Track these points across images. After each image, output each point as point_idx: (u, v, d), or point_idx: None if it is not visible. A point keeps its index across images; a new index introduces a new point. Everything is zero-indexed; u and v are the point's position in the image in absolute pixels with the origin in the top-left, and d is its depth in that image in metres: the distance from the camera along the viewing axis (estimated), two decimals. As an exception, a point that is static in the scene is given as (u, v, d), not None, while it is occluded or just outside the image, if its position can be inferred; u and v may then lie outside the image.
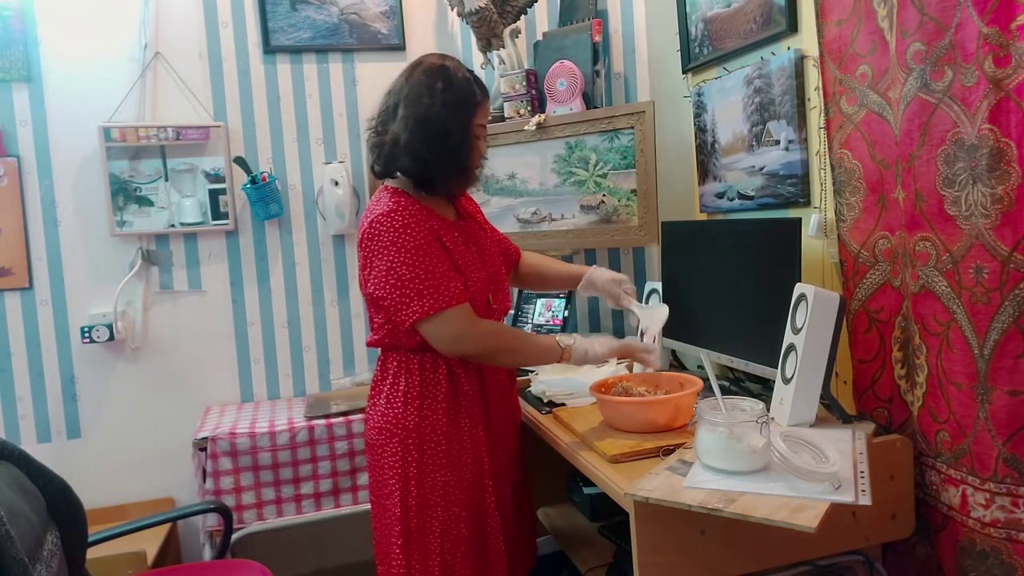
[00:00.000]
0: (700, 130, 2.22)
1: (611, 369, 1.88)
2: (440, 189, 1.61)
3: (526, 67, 2.54)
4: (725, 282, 1.79)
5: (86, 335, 2.47)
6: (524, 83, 2.48)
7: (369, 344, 1.66)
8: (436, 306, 1.49)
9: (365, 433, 1.67)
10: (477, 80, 1.60)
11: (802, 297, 1.46)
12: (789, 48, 1.82)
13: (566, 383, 1.89)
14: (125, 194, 2.50)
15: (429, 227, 1.54)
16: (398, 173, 1.59)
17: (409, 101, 1.55)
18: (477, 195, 2.57)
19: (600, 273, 1.83)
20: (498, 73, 2.57)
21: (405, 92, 1.56)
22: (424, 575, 1.57)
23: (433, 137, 1.53)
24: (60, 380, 2.52)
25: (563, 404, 1.81)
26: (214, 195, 2.56)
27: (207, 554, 2.24)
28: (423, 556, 1.57)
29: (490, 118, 2.52)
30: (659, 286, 2.06)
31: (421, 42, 2.70)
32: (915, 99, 1.33)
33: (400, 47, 2.68)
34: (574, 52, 2.44)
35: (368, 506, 1.71)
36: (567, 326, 2.33)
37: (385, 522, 1.61)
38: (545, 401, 1.86)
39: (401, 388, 1.59)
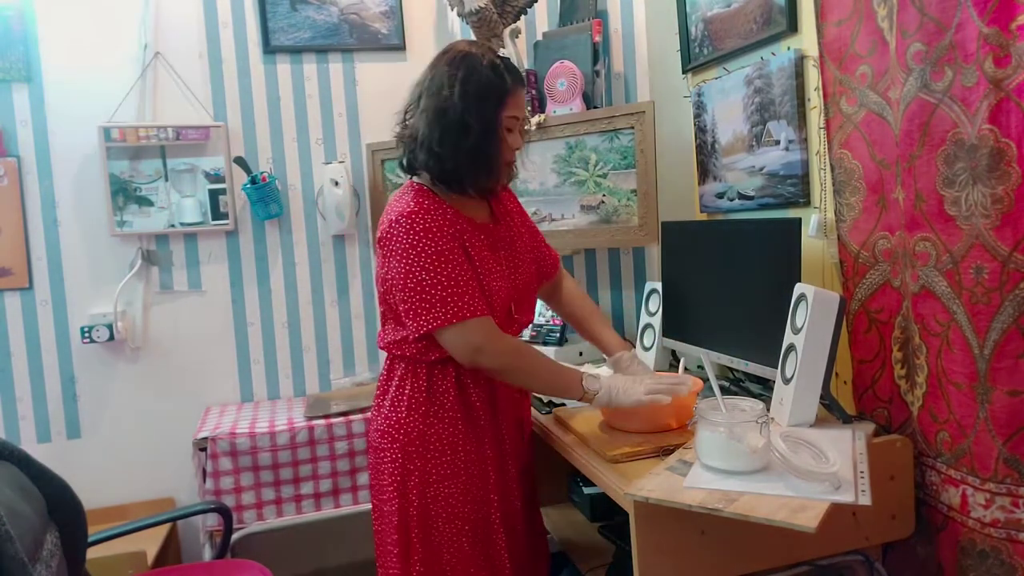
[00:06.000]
0: (700, 130, 2.22)
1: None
2: (465, 187, 1.50)
3: (526, 67, 2.54)
4: (725, 282, 1.79)
5: (86, 335, 2.47)
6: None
7: (380, 346, 1.60)
8: (458, 315, 1.42)
9: (368, 434, 1.62)
10: (509, 66, 1.48)
11: (802, 297, 1.46)
12: (789, 48, 1.82)
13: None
14: (125, 194, 2.50)
15: (453, 232, 1.46)
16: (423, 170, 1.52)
17: (430, 92, 1.46)
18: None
19: (626, 363, 1.68)
20: (498, 73, 2.57)
21: (427, 83, 1.48)
22: None
23: (449, 131, 1.44)
24: (60, 380, 2.52)
25: (563, 404, 1.81)
26: (214, 195, 2.56)
27: (207, 554, 2.24)
28: (425, 569, 1.51)
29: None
30: (659, 286, 2.06)
31: (421, 42, 2.70)
32: (915, 99, 1.33)
33: (400, 47, 2.68)
34: (574, 52, 2.44)
35: (368, 506, 1.70)
36: (567, 327, 2.33)
37: (383, 526, 1.58)
38: (545, 401, 1.86)
39: (407, 393, 1.53)
